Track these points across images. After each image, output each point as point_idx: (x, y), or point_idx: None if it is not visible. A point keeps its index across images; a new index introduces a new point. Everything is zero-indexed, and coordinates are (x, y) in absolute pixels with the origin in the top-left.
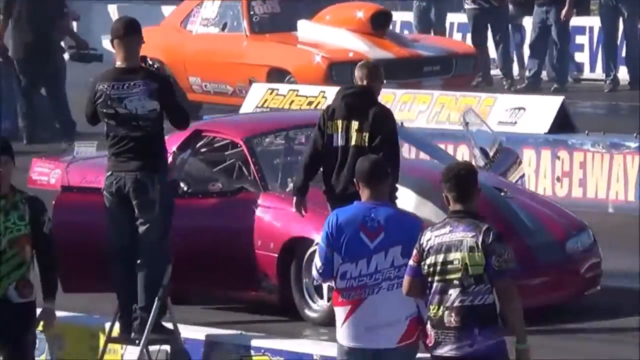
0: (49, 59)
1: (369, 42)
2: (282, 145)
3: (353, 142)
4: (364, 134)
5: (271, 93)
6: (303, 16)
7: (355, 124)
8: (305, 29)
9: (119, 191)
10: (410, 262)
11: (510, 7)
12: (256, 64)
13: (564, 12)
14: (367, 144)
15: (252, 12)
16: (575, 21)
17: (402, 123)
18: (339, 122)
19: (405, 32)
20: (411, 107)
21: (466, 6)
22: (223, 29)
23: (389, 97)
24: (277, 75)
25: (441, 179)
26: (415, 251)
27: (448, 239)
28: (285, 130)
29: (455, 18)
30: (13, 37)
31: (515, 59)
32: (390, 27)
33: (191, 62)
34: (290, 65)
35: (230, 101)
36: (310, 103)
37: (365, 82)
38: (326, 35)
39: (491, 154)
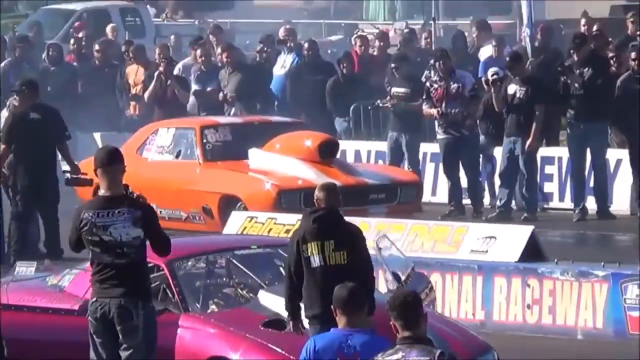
0: (49, 185)
1: (317, 170)
2: (203, 269)
3: (333, 262)
4: (342, 252)
5: (250, 220)
6: (254, 144)
7: (330, 244)
8: (256, 157)
9: (103, 317)
10: None
11: (482, 137)
12: (209, 191)
13: (528, 142)
14: (346, 262)
15: (205, 140)
16: (544, 151)
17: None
18: (314, 244)
19: (380, 162)
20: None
21: (438, 136)
22: (177, 157)
23: (365, 225)
24: (228, 202)
25: (387, 308)
26: None
27: None
28: (206, 254)
29: (427, 148)
30: (15, 164)
31: (486, 188)
32: (337, 155)
33: (146, 189)
34: (241, 193)
35: (184, 227)
36: (287, 231)
37: (326, 204)
38: (276, 163)
39: (403, 278)
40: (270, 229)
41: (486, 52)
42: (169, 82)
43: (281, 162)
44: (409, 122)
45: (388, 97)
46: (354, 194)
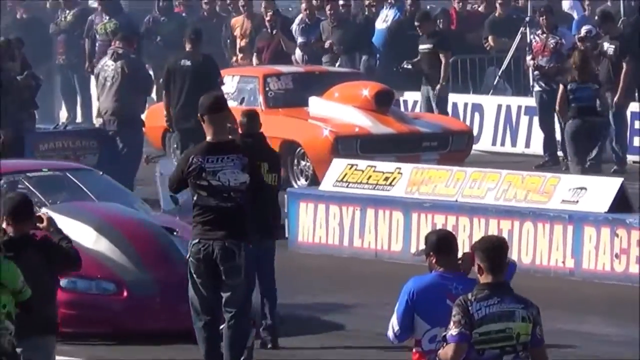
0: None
1: (372, 119)
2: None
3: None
4: (274, 175)
5: (350, 168)
6: (314, 93)
7: (264, 165)
8: (316, 105)
9: (206, 257)
10: (460, 330)
11: None
12: (270, 136)
13: (616, 97)
14: (276, 184)
15: (267, 88)
16: (635, 106)
17: None
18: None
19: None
20: (481, 185)
21: (534, 89)
22: (241, 103)
23: (460, 174)
24: (289, 147)
25: (474, 247)
26: (462, 319)
27: (499, 309)
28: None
29: (522, 101)
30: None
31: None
32: (393, 104)
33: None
34: (301, 138)
35: None
36: (386, 178)
37: (247, 129)
38: (334, 111)
39: (181, 200)
40: (370, 176)
41: (566, 4)
42: (274, 32)
43: (339, 110)
44: (433, 76)
45: (418, 57)
46: (408, 141)
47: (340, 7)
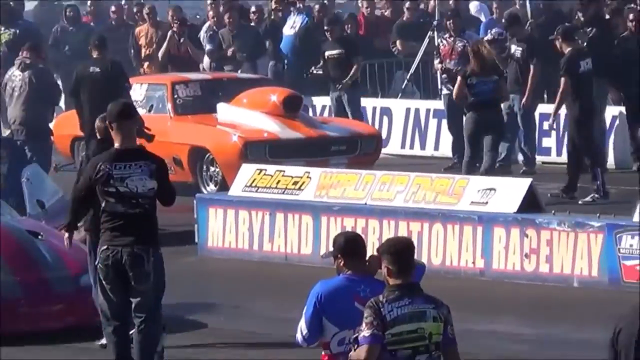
0: None
1: (281, 124)
2: None
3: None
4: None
5: (259, 173)
6: (222, 99)
7: None
8: (224, 111)
9: (115, 263)
10: (372, 331)
11: None
12: (179, 143)
13: (524, 100)
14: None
15: (176, 96)
16: (544, 108)
17: None
18: None
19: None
20: (390, 188)
21: (442, 92)
22: (149, 111)
23: (369, 177)
24: (197, 153)
25: (380, 251)
26: (374, 321)
27: (410, 309)
28: None
29: (431, 105)
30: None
31: None
32: (301, 109)
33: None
34: (209, 144)
35: None
36: (295, 182)
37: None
38: (243, 117)
39: (47, 204)
40: (279, 181)
41: (473, 7)
42: (181, 40)
43: (248, 115)
44: (341, 81)
45: (321, 62)
46: (317, 145)
47: (252, 15)
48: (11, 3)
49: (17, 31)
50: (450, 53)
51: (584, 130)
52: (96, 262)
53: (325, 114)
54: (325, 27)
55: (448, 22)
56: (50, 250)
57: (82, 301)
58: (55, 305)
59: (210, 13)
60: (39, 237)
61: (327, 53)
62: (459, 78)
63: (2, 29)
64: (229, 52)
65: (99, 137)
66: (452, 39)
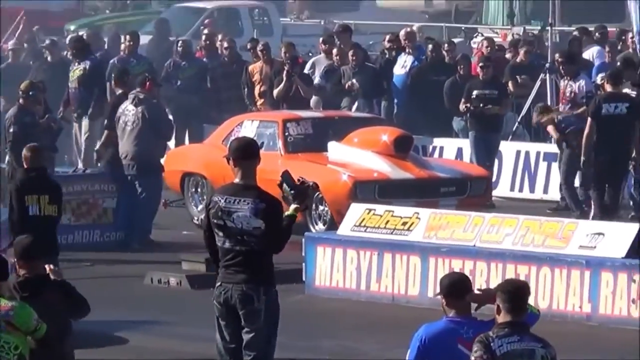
0: None
1: (391, 164)
2: None
3: (47, 213)
4: (54, 206)
5: (368, 213)
6: (333, 138)
7: (45, 198)
8: (335, 149)
9: (226, 301)
10: None
11: None
12: None
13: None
14: (57, 214)
15: (287, 133)
16: None
17: None
18: (32, 197)
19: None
20: (499, 230)
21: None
22: (261, 147)
23: (478, 219)
24: None
25: (497, 289)
26: (484, 355)
27: (519, 346)
28: None
29: (541, 147)
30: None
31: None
32: (412, 150)
33: (230, 177)
34: (319, 183)
35: None
36: (404, 223)
37: (31, 163)
38: (353, 156)
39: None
40: (388, 221)
41: (588, 54)
42: (292, 77)
43: (358, 155)
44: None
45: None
46: (426, 186)
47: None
48: (84, 36)
49: (86, 67)
50: (562, 96)
51: None
52: (212, 299)
53: (436, 154)
54: (481, 65)
55: (561, 66)
56: None
57: None
58: None
59: (335, 50)
60: None
61: (475, 92)
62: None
63: (76, 63)
64: (347, 85)
65: (25, 166)
66: (564, 82)
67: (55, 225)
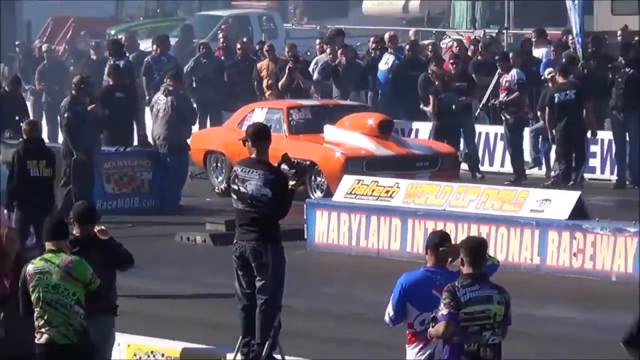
0: None
1: (376, 143)
2: None
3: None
4: (50, 168)
5: (358, 183)
6: (329, 122)
7: (42, 163)
8: (330, 132)
9: (241, 255)
10: (449, 310)
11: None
12: (293, 157)
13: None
14: (51, 175)
15: (290, 118)
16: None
17: None
18: (32, 162)
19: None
20: (464, 197)
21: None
22: None
23: (447, 189)
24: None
25: (460, 246)
26: (451, 302)
27: (479, 294)
28: None
29: (498, 129)
30: None
31: (543, 162)
32: (393, 132)
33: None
34: (317, 159)
35: None
36: (387, 191)
37: (32, 134)
38: (345, 137)
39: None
40: (373, 190)
41: (539, 53)
42: (294, 73)
43: (349, 136)
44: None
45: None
46: (405, 161)
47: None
48: (122, 39)
49: (120, 64)
50: (501, 87)
51: None
52: (232, 254)
53: (412, 136)
54: (452, 62)
55: (498, 62)
56: None
57: None
58: None
59: (328, 50)
60: None
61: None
62: None
63: (110, 61)
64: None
65: (25, 137)
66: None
67: (51, 183)
